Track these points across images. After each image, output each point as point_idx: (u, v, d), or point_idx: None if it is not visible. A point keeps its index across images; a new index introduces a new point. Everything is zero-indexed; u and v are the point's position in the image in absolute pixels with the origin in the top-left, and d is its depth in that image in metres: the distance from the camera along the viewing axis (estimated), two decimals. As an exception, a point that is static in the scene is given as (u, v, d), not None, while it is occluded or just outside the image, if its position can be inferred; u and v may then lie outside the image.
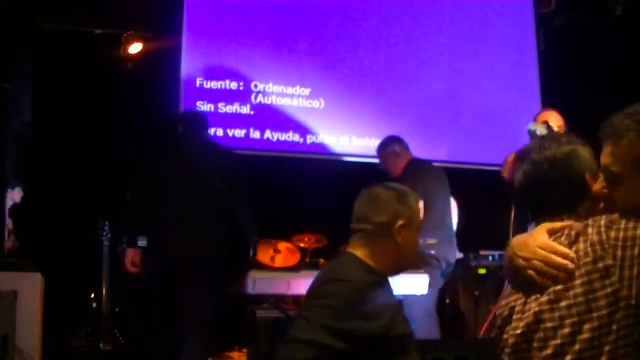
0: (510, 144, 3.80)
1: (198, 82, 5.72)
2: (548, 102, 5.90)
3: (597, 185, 1.59)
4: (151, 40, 6.04)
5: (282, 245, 5.43)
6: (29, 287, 4.07)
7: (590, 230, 1.49)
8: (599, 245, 1.45)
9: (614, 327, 1.41)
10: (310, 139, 5.87)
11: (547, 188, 1.63)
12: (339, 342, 1.98)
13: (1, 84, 5.14)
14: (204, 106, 5.69)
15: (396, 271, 2.24)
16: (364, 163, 5.85)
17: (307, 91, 5.90)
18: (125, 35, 5.98)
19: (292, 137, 5.83)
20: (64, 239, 5.20)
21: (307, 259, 5.09)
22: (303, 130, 5.85)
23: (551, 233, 1.57)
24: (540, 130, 3.38)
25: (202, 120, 4.47)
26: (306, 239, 5.32)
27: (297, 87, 5.89)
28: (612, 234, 1.45)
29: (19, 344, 3.86)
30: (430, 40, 6.21)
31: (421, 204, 2.26)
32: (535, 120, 3.87)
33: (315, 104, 5.91)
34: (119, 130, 5.57)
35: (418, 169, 4.83)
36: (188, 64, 5.71)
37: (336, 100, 5.92)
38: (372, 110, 5.96)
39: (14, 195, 5.14)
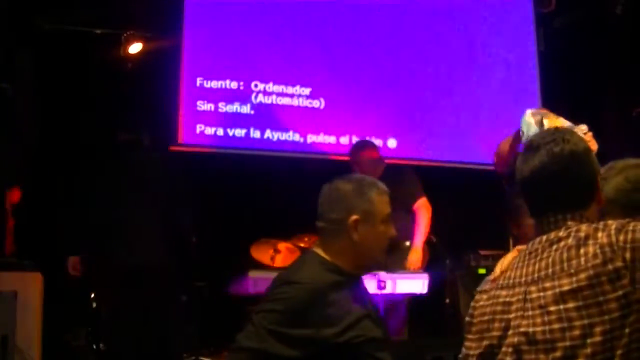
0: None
1: (198, 82, 5.72)
2: (548, 102, 5.89)
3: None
4: (151, 40, 6.04)
5: (282, 245, 5.43)
6: (29, 287, 4.07)
7: (600, 234, 1.47)
8: (609, 247, 1.43)
9: (627, 330, 1.39)
10: (310, 139, 5.86)
11: (564, 182, 1.58)
12: (290, 350, 1.84)
13: (1, 84, 5.14)
14: (204, 106, 5.70)
15: (361, 269, 2.09)
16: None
17: (307, 91, 5.90)
18: (125, 35, 5.98)
19: (292, 137, 5.83)
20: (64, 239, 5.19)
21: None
22: (303, 130, 5.85)
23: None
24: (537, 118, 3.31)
25: (142, 123, 4.56)
26: (306, 239, 5.32)
27: (297, 87, 5.89)
28: (622, 237, 1.44)
29: (19, 344, 3.86)
30: (430, 40, 6.22)
31: (385, 196, 2.07)
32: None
33: (315, 104, 5.91)
34: (119, 131, 5.57)
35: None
36: (188, 64, 5.71)
37: (336, 100, 5.92)
38: (372, 110, 5.96)
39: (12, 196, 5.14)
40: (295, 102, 5.88)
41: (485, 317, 1.60)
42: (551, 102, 5.61)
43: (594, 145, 3.33)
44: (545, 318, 1.47)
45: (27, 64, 5.63)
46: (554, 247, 1.52)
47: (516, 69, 6.44)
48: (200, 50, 5.77)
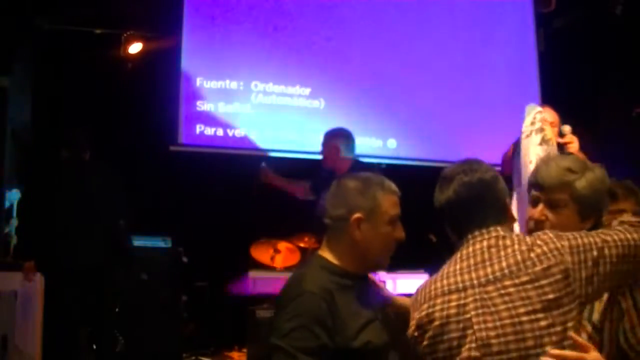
0: (510, 144, 3.79)
1: (198, 82, 5.72)
2: (548, 102, 5.88)
3: (537, 214, 1.91)
4: (151, 40, 6.04)
5: (282, 245, 5.43)
6: (29, 287, 4.07)
7: (539, 241, 1.73)
8: (557, 251, 1.70)
9: (570, 323, 1.67)
10: (310, 138, 5.86)
11: (479, 206, 1.82)
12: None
13: (1, 84, 5.14)
14: (204, 106, 5.70)
15: (365, 269, 2.05)
16: (355, 162, 5.84)
17: (307, 91, 5.90)
18: (125, 35, 5.99)
19: (292, 137, 5.82)
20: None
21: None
22: (303, 130, 5.85)
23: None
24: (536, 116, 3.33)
25: (83, 140, 4.64)
26: (306, 239, 5.33)
27: (297, 87, 5.88)
28: (565, 243, 1.72)
29: (19, 344, 3.86)
30: (431, 40, 6.21)
31: (392, 196, 2.04)
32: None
33: (315, 104, 5.91)
34: (119, 130, 5.58)
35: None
36: (188, 64, 5.71)
37: (336, 100, 5.92)
38: (372, 110, 5.96)
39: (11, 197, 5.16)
40: (295, 102, 5.88)
41: (437, 322, 1.76)
42: (551, 102, 5.60)
43: (575, 146, 3.37)
44: (513, 311, 1.68)
45: (27, 63, 5.64)
46: (502, 253, 1.75)
47: (516, 69, 6.44)
48: (200, 50, 5.77)
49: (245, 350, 5.20)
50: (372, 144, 5.93)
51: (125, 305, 4.98)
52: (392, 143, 6.01)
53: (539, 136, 3.29)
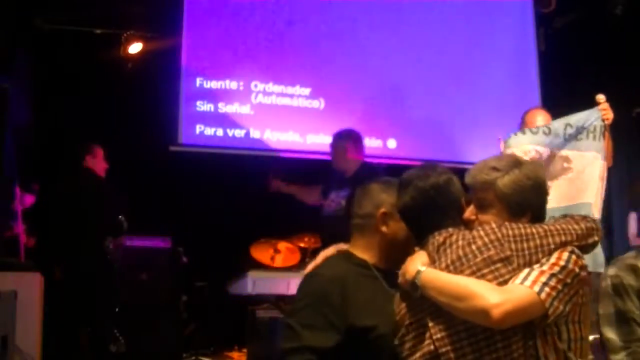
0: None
1: (198, 82, 5.72)
2: (548, 102, 5.89)
3: (468, 213, 1.93)
4: (151, 40, 6.05)
5: (282, 245, 5.43)
6: (29, 287, 4.07)
7: (482, 233, 1.80)
8: (497, 242, 1.76)
9: None
10: (310, 139, 5.86)
11: (434, 209, 1.92)
12: (326, 341, 1.87)
13: (1, 84, 5.14)
14: (204, 106, 5.70)
15: (390, 264, 2.08)
16: (363, 163, 5.85)
17: (307, 91, 5.90)
18: (125, 35, 5.99)
19: (292, 137, 5.82)
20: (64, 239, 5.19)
21: (307, 259, 5.08)
22: (303, 130, 5.85)
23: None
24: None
25: (81, 153, 4.97)
26: (306, 239, 5.32)
27: (297, 87, 5.89)
28: (505, 231, 1.78)
29: (19, 344, 3.86)
30: (431, 40, 6.21)
31: None
32: (523, 118, 3.78)
33: (315, 104, 5.91)
34: (119, 130, 5.58)
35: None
36: (188, 64, 5.71)
37: (336, 100, 5.92)
38: (372, 110, 5.96)
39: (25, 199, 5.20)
40: (295, 102, 5.88)
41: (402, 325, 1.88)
42: (551, 102, 5.62)
43: (609, 115, 3.24)
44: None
45: (27, 63, 5.64)
46: (448, 250, 1.83)
47: (516, 69, 6.44)
48: (200, 50, 5.77)
49: (245, 350, 5.20)
50: (372, 144, 5.92)
51: (125, 305, 4.99)
52: (392, 143, 6.01)
53: None
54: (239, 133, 5.74)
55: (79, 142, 5.03)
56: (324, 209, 4.53)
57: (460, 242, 1.83)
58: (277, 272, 5.13)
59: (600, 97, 3.20)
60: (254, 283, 4.12)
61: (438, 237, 1.88)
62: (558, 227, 1.78)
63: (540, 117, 3.65)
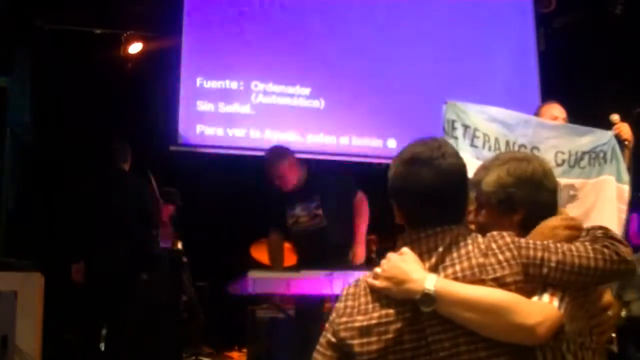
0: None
1: (198, 82, 5.72)
2: (548, 101, 5.89)
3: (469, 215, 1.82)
4: (151, 40, 6.05)
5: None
6: (29, 287, 4.06)
7: (495, 245, 1.62)
8: (513, 260, 1.59)
9: None
10: (310, 139, 5.86)
11: (453, 196, 1.70)
12: None
13: (1, 84, 5.14)
14: (204, 106, 5.69)
15: None
16: (363, 163, 5.85)
17: (307, 91, 5.90)
18: (125, 35, 5.99)
19: (292, 137, 5.82)
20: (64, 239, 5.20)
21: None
22: (303, 130, 5.85)
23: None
24: None
25: (117, 154, 4.84)
26: (306, 239, 5.31)
27: (297, 87, 5.89)
28: (521, 252, 1.60)
29: (19, 344, 3.86)
30: (431, 40, 6.21)
31: None
32: (537, 112, 3.82)
33: (315, 104, 5.91)
34: (119, 130, 5.57)
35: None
36: (188, 64, 5.71)
37: (336, 100, 5.92)
38: (372, 110, 5.96)
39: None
40: (295, 102, 5.88)
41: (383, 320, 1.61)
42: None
43: (627, 131, 3.25)
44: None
45: (27, 63, 5.64)
46: (455, 255, 1.62)
47: (516, 69, 6.44)
48: (200, 50, 5.77)
49: (245, 350, 5.21)
50: (372, 144, 5.93)
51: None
52: (392, 143, 6.01)
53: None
54: (239, 133, 5.74)
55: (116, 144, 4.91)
56: (299, 225, 4.33)
57: (472, 249, 1.62)
58: (277, 272, 5.12)
59: (615, 118, 3.20)
60: (254, 283, 4.10)
61: (434, 237, 1.66)
62: (574, 251, 1.63)
63: (556, 111, 3.67)
